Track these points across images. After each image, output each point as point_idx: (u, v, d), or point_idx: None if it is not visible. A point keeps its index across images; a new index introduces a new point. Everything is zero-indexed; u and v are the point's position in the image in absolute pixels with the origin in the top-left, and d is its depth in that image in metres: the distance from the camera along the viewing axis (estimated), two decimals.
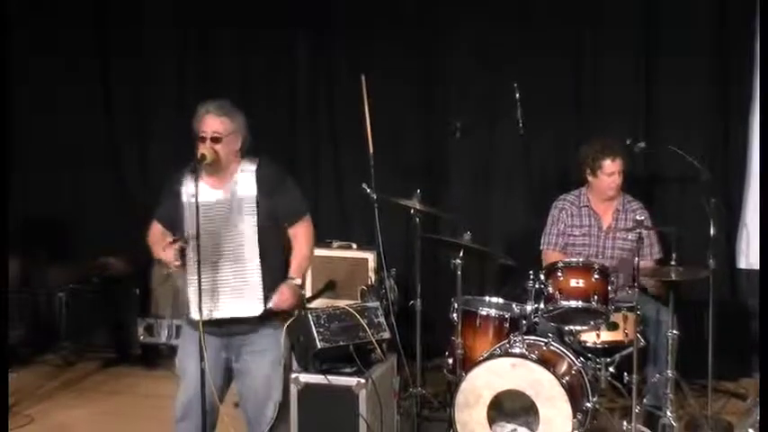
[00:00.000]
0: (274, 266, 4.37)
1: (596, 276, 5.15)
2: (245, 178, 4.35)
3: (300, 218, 4.47)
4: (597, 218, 5.75)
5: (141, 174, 7.38)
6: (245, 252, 4.30)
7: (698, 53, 6.35)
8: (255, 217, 4.31)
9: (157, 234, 4.47)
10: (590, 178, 5.70)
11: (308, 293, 6.14)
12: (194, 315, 4.24)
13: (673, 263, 5.17)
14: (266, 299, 4.31)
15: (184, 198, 4.33)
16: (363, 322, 4.86)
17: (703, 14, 6.34)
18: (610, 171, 5.60)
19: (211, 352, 4.31)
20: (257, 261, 4.30)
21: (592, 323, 5.23)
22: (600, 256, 5.65)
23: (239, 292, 4.31)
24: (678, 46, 6.36)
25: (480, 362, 5.03)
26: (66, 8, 7.34)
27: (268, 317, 4.36)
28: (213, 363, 4.32)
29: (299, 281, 4.43)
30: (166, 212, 4.45)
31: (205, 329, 4.23)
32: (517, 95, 5.86)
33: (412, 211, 5.52)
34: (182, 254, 4.23)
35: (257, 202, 4.32)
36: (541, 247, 5.84)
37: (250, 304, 4.31)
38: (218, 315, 4.28)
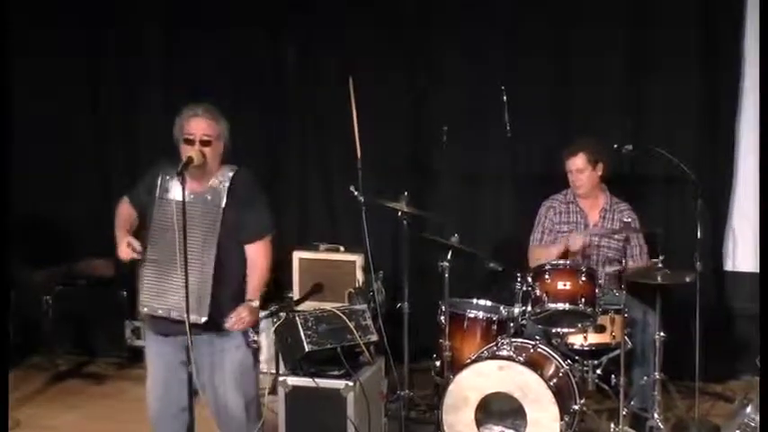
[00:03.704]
0: (231, 279, 4.29)
1: (583, 279, 5.17)
2: (219, 186, 4.28)
3: (262, 236, 4.35)
4: (584, 215, 5.77)
5: (128, 175, 7.32)
6: (201, 258, 4.21)
7: (686, 54, 6.35)
8: (218, 226, 4.24)
9: (125, 213, 4.43)
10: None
11: (296, 296, 6.15)
12: (144, 309, 4.29)
13: (659, 265, 5.19)
14: (214, 309, 4.22)
15: (157, 192, 4.29)
16: (351, 325, 4.86)
17: (690, 16, 6.33)
18: (569, 169, 5.69)
19: (170, 354, 4.32)
20: (211, 270, 4.21)
21: (579, 325, 5.24)
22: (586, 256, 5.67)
23: (187, 295, 4.18)
24: (666, 48, 6.37)
25: (468, 364, 5.03)
26: (54, 9, 7.30)
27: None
28: (172, 364, 4.32)
29: (256, 303, 4.34)
30: (141, 199, 4.41)
31: (161, 328, 4.27)
32: (504, 98, 5.88)
33: (399, 214, 5.52)
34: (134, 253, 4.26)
35: (223, 212, 4.25)
36: (530, 245, 5.87)
37: (194, 310, 4.18)
38: (161, 313, 4.24)
